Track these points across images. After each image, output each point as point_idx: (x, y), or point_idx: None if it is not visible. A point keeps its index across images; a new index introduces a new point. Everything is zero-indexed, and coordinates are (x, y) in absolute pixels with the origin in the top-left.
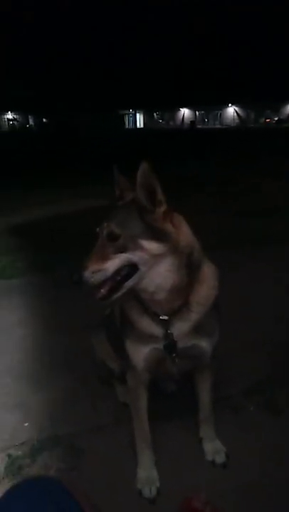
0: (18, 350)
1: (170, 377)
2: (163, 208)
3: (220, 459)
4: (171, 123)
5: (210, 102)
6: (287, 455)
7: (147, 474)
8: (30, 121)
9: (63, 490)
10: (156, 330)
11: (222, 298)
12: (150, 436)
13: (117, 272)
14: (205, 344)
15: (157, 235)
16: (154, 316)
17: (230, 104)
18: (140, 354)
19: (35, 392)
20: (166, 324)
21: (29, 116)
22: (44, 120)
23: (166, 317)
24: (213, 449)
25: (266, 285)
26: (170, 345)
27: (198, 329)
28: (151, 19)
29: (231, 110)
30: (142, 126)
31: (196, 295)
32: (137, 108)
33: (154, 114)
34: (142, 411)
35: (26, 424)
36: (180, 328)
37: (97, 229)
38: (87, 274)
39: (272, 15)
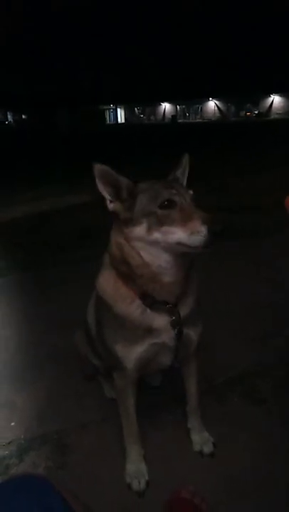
0: (2, 350)
1: (158, 371)
2: None
3: (207, 449)
4: (152, 118)
5: (191, 97)
6: (272, 443)
7: (136, 467)
8: (9, 118)
9: (49, 487)
10: (159, 322)
11: (207, 289)
12: (138, 430)
13: None
14: (193, 334)
15: None
16: (162, 305)
17: (210, 98)
18: (133, 355)
19: (21, 392)
20: (173, 312)
21: (8, 113)
22: (23, 116)
23: (171, 304)
24: (201, 439)
25: (245, 277)
26: (180, 331)
27: (186, 320)
28: (128, 15)
29: (212, 104)
30: (123, 121)
31: (191, 281)
32: (118, 103)
33: (135, 109)
34: (130, 409)
35: (13, 424)
36: (183, 315)
37: (173, 192)
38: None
39: (250, 10)
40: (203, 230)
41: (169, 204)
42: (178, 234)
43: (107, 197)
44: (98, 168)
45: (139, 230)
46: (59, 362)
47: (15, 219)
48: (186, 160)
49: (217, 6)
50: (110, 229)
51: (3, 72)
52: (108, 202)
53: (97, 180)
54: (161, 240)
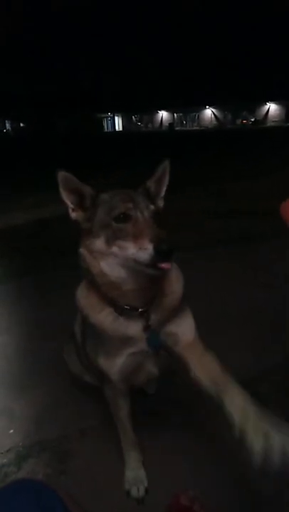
0: (0, 357)
1: (149, 381)
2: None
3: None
4: (149, 126)
5: (188, 104)
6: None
7: (135, 474)
8: (7, 126)
9: (48, 489)
10: (133, 329)
11: (205, 294)
12: (135, 438)
13: None
14: (181, 331)
15: None
16: (132, 311)
17: (207, 107)
18: (115, 366)
19: (19, 399)
20: (145, 317)
21: (6, 121)
22: (21, 124)
23: (142, 309)
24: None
25: (242, 282)
26: (153, 337)
27: (165, 322)
28: (128, 15)
29: (209, 112)
30: (120, 129)
31: (168, 283)
32: (115, 111)
33: (133, 117)
34: (123, 418)
35: (11, 432)
36: (157, 318)
37: (129, 206)
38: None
39: (245, 17)
40: (149, 247)
41: (124, 218)
42: (129, 249)
43: (69, 205)
44: (62, 175)
45: (99, 242)
46: (58, 368)
47: (15, 225)
48: (163, 168)
49: (215, 9)
50: None
51: (2, 72)
52: (70, 210)
53: (60, 187)
54: (118, 254)
